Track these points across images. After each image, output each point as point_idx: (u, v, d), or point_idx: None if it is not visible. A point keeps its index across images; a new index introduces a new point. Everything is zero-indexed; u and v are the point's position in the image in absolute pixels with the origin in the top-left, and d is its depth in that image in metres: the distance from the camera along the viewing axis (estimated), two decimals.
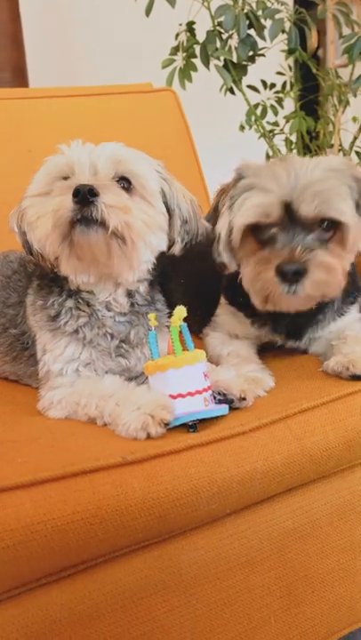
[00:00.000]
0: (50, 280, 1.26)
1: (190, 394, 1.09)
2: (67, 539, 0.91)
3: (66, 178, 1.17)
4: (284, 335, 1.41)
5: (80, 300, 1.24)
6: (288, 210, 1.20)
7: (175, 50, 2.66)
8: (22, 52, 4.12)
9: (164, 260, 1.71)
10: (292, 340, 1.41)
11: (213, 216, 1.36)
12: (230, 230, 1.29)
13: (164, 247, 1.25)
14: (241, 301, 1.38)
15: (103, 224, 1.11)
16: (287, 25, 2.55)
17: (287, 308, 1.27)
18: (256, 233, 1.26)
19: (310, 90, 2.96)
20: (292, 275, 1.18)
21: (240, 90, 2.66)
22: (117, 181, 1.17)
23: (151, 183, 1.21)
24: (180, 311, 1.13)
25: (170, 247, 1.26)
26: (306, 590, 1.16)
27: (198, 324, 1.57)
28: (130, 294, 1.27)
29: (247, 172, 1.29)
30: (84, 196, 1.09)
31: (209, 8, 2.57)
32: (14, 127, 1.89)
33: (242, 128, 2.63)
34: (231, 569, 1.09)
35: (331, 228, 1.23)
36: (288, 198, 1.20)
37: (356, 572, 1.22)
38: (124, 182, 1.18)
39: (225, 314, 1.48)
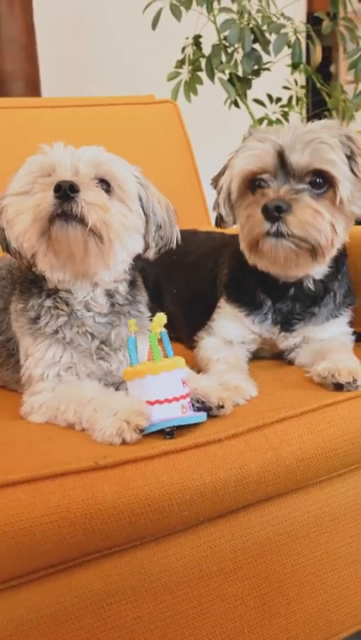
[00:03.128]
0: (29, 282, 1.27)
1: (168, 400, 1.09)
2: (35, 541, 0.92)
3: (47, 177, 1.19)
4: (279, 328, 1.42)
5: (58, 300, 1.25)
6: (281, 159, 1.26)
7: (181, 63, 2.69)
8: (35, 63, 4.17)
9: (156, 271, 1.73)
10: (286, 332, 1.43)
11: (220, 173, 1.42)
12: (230, 183, 1.36)
13: (139, 249, 1.28)
14: (242, 294, 1.44)
15: (82, 220, 1.13)
16: (293, 40, 2.56)
17: (274, 263, 1.29)
18: (253, 188, 1.32)
19: (318, 104, 2.98)
20: (274, 209, 1.22)
21: (245, 103, 2.68)
22: (97, 183, 1.18)
23: (130, 186, 1.23)
24: (160, 318, 1.14)
25: (144, 251, 1.29)
26: (281, 602, 1.16)
27: (190, 333, 1.58)
28: (110, 294, 1.28)
29: (256, 132, 1.36)
30: (65, 192, 1.11)
31: (215, 22, 2.59)
32: (16, 137, 1.91)
33: (245, 139, 2.64)
34: (204, 577, 1.08)
35: (324, 185, 1.27)
36: (282, 147, 1.26)
37: (333, 584, 1.21)
38: (104, 184, 1.20)
39: (223, 317, 1.50)
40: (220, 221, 1.43)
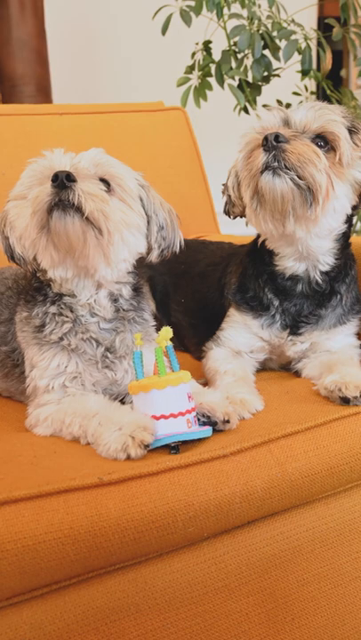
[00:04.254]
0: (34, 290, 1.28)
1: (173, 415, 1.09)
2: (38, 558, 0.92)
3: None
4: (287, 332, 1.43)
5: (63, 306, 1.25)
6: (286, 123, 1.31)
7: (190, 68, 2.68)
8: (46, 67, 4.18)
9: (165, 280, 1.73)
10: (294, 336, 1.42)
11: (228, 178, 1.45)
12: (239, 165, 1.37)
13: (142, 249, 1.28)
14: (250, 298, 1.45)
15: (79, 210, 1.14)
16: (303, 46, 2.55)
17: (273, 206, 1.29)
18: None
19: None
20: (273, 138, 1.24)
21: (254, 110, 2.67)
22: (97, 181, 1.20)
23: (130, 186, 1.25)
24: (166, 332, 1.13)
25: (147, 253, 1.30)
26: (286, 618, 1.15)
27: (198, 343, 1.58)
28: (113, 298, 1.28)
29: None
30: (62, 181, 1.12)
31: (225, 28, 2.59)
32: (24, 144, 1.92)
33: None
34: (208, 594, 1.08)
35: (325, 147, 1.30)
36: (286, 113, 1.32)
37: (338, 600, 1.20)
38: (104, 184, 1.21)
39: (231, 325, 1.50)
40: (229, 206, 1.44)
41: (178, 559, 1.06)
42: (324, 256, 1.40)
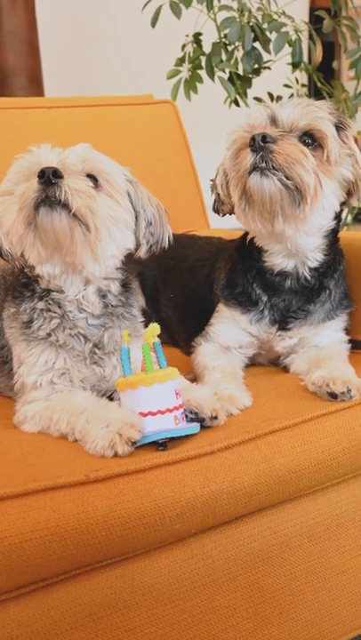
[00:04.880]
0: (22, 286, 1.28)
1: (160, 412, 1.09)
2: (24, 556, 0.92)
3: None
4: (276, 327, 1.43)
5: (50, 302, 1.25)
6: (273, 120, 1.31)
7: (181, 61, 2.67)
8: (38, 59, 4.16)
9: (154, 275, 1.72)
10: (282, 331, 1.43)
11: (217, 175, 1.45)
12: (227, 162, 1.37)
13: (130, 245, 1.28)
14: (238, 293, 1.44)
15: (66, 206, 1.13)
16: (293, 38, 2.54)
17: (261, 207, 1.28)
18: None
19: None
20: (261, 138, 1.24)
21: (245, 102, 2.66)
22: (84, 177, 1.19)
23: (117, 181, 1.25)
24: (154, 328, 1.13)
25: (136, 249, 1.30)
26: (274, 612, 1.16)
27: (187, 338, 1.58)
28: (102, 294, 1.28)
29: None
30: (49, 178, 1.12)
31: (215, 20, 2.57)
32: (10, 138, 1.90)
33: None
34: (195, 589, 1.08)
35: (312, 145, 1.30)
36: (273, 110, 1.32)
37: (326, 593, 1.21)
38: (92, 180, 1.20)
39: (220, 321, 1.50)
40: (218, 204, 1.44)
41: (165, 555, 1.06)
42: (312, 252, 1.40)
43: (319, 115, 1.30)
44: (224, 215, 1.47)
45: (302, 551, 1.18)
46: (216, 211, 1.47)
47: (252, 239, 1.42)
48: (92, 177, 1.21)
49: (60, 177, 1.13)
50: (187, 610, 1.08)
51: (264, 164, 1.25)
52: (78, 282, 1.25)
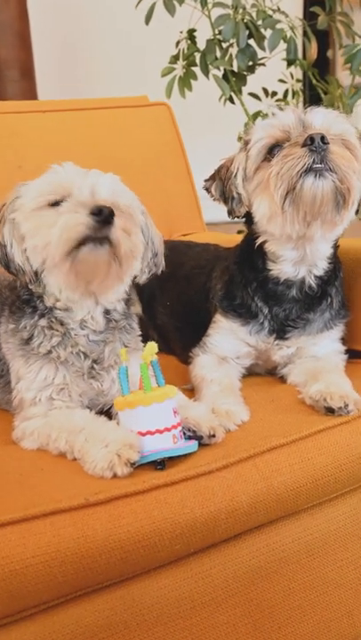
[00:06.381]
0: (22, 302, 1.27)
1: (159, 431, 1.10)
2: (25, 582, 0.92)
3: (62, 197, 1.18)
4: (274, 337, 1.43)
5: (53, 320, 1.24)
6: (303, 125, 1.32)
7: (175, 58, 2.65)
8: (30, 51, 4.12)
9: (151, 283, 1.72)
10: (280, 340, 1.43)
11: (211, 178, 1.46)
12: (246, 162, 1.38)
13: (138, 272, 1.30)
14: (238, 305, 1.45)
15: (111, 243, 1.15)
16: (288, 35, 2.53)
17: (311, 207, 1.27)
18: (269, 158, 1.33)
19: (315, 98, 2.94)
20: (320, 138, 1.23)
21: (239, 99, 2.64)
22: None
23: (138, 215, 1.26)
24: (151, 347, 1.13)
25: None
26: (273, 626, 1.17)
27: (183, 346, 1.58)
28: (107, 312, 1.28)
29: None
30: (107, 218, 1.13)
31: (209, 16, 2.55)
32: (4, 142, 1.90)
33: (240, 139, 2.62)
34: (195, 607, 1.09)
35: None
36: (304, 118, 1.32)
37: (324, 607, 1.22)
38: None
39: (217, 332, 1.50)
40: (236, 205, 1.41)
41: (165, 575, 1.07)
42: (321, 261, 1.41)
43: (348, 126, 1.33)
44: (235, 218, 1.45)
45: (300, 566, 1.19)
46: (232, 213, 1.44)
47: (261, 245, 1.41)
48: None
49: (114, 216, 1.14)
50: (187, 628, 1.09)
51: (322, 165, 1.24)
52: (89, 304, 1.25)
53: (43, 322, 1.25)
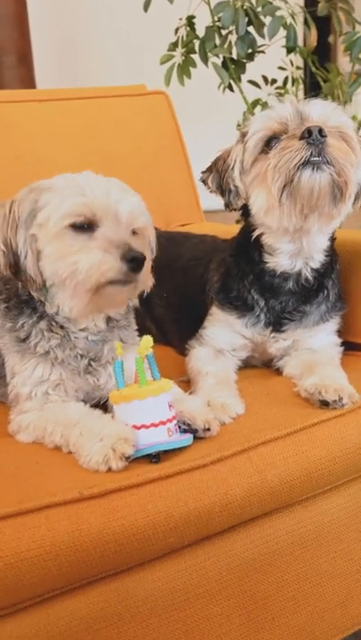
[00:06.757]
0: (20, 301, 1.26)
1: (154, 425, 1.10)
2: (20, 575, 0.93)
3: (88, 220, 1.17)
4: (270, 329, 1.43)
5: (54, 323, 1.24)
6: (300, 117, 1.31)
7: (174, 45, 2.64)
8: (27, 37, 4.10)
9: None
10: (276, 332, 1.43)
11: (208, 169, 1.45)
12: (243, 154, 1.37)
13: None
14: (234, 298, 1.45)
15: (135, 283, 1.17)
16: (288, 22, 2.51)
17: (308, 200, 1.27)
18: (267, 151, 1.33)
19: (315, 86, 2.93)
20: (318, 131, 1.23)
21: (239, 87, 2.63)
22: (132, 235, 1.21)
23: (152, 235, 1.29)
24: (147, 341, 1.14)
25: None
26: (266, 617, 1.18)
27: (180, 337, 1.58)
28: (109, 316, 1.29)
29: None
30: (139, 265, 1.14)
31: (209, 3, 2.54)
32: (4, 131, 1.89)
33: (238, 126, 2.61)
34: (189, 599, 1.10)
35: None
36: (301, 110, 1.31)
37: (317, 598, 1.23)
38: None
39: (214, 324, 1.50)
40: (233, 198, 1.41)
41: (159, 567, 1.08)
42: (318, 253, 1.41)
43: (345, 118, 1.32)
44: (232, 211, 1.45)
45: (294, 558, 1.20)
46: (229, 205, 1.43)
47: (257, 237, 1.41)
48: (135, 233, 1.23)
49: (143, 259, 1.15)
50: (181, 620, 1.10)
51: (319, 158, 1.24)
52: (95, 315, 1.26)
53: (42, 324, 1.24)
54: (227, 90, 2.65)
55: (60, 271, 1.16)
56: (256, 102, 2.70)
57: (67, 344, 1.25)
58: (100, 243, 1.15)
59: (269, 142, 1.33)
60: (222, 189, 1.42)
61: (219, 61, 2.59)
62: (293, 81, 2.86)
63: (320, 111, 1.32)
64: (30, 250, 1.18)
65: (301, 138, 1.25)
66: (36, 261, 1.19)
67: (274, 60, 2.76)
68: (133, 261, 1.13)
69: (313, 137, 1.24)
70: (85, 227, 1.16)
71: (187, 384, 1.42)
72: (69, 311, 1.21)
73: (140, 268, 1.14)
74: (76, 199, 1.17)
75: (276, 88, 2.82)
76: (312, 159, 1.25)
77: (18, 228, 1.18)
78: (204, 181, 1.47)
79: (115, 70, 4.00)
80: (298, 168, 1.25)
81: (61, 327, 1.25)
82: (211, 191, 1.47)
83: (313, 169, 1.25)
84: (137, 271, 1.14)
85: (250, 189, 1.37)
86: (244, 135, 1.39)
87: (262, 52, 2.60)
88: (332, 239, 1.44)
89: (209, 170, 1.46)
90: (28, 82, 3.99)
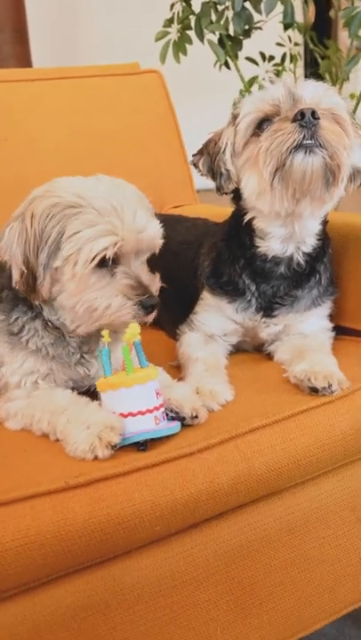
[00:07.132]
0: (16, 298, 1.24)
1: (141, 412, 1.10)
2: (5, 565, 0.94)
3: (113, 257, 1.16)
4: (261, 314, 1.42)
5: (49, 324, 1.23)
6: (293, 98, 1.29)
7: (169, 22, 2.60)
8: (23, 13, 4.05)
9: None
10: (267, 317, 1.43)
11: (199, 152, 1.44)
12: (234, 137, 1.36)
13: None
14: (225, 283, 1.44)
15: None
16: None
17: (300, 184, 1.26)
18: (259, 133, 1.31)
19: (315, 62, 2.89)
20: (311, 113, 1.21)
21: (235, 65, 2.60)
22: None
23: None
24: (134, 328, 1.13)
25: None
26: (253, 603, 1.19)
27: (171, 321, 1.58)
28: None
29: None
30: (150, 302, 1.17)
31: None
32: None
33: (234, 105, 2.58)
34: (176, 586, 1.11)
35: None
36: (294, 91, 1.29)
37: (305, 584, 1.24)
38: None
39: (204, 309, 1.50)
40: (225, 181, 1.39)
41: (146, 555, 1.08)
42: (310, 237, 1.40)
43: (338, 100, 1.31)
44: (223, 194, 1.43)
45: (282, 544, 1.20)
46: (220, 189, 1.41)
47: (249, 222, 1.40)
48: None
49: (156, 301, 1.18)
50: (168, 606, 1.10)
51: (312, 141, 1.23)
52: None
53: (37, 323, 1.23)
54: (223, 68, 2.62)
55: (76, 305, 1.17)
56: (253, 80, 2.67)
57: (61, 343, 1.25)
58: (120, 286, 1.16)
59: (261, 124, 1.31)
60: (213, 173, 1.41)
61: (215, 38, 2.55)
62: (292, 58, 2.83)
63: (313, 92, 1.30)
64: (47, 270, 1.15)
65: (294, 120, 1.23)
66: (52, 286, 1.17)
67: (272, 36, 2.72)
68: (150, 308, 1.16)
69: (306, 119, 1.22)
70: (108, 261, 1.15)
71: (177, 369, 1.42)
72: (71, 326, 1.21)
73: (154, 310, 1.17)
74: (108, 239, 1.13)
75: (274, 65, 2.79)
76: (305, 142, 1.23)
77: (40, 250, 1.13)
78: (195, 164, 1.45)
79: (112, 45, 3.95)
80: (290, 151, 1.24)
81: (56, 328, 1.24)
82: (202, 174, 1.45)
83: (305, 152, 1.23)
84: (151, 313, 1.17)
85: (241, 173, 1.36)
86: (235, 117, 1.37)
87: (259, 28, 2.56)
88: (325, 223, 1.43)
89: (200, 152, 1.44)
90: (24, 59, 3.95)
